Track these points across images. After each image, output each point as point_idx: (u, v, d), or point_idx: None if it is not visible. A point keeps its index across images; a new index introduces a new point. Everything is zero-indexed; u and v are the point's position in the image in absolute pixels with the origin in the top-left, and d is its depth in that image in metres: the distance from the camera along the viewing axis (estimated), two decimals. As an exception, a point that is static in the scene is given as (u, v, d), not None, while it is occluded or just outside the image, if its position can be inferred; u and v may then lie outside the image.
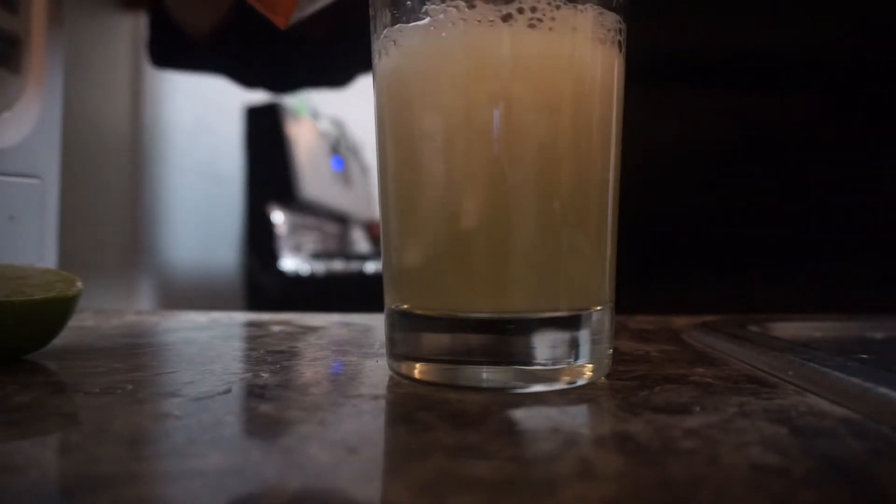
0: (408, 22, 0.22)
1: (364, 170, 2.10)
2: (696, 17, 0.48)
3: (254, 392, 0.21)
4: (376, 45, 0.24)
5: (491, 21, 0.21)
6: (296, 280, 1.53)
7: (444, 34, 0.22)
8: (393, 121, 0.24)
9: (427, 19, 0.22)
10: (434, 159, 0.22)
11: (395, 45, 0.23)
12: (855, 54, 0.46)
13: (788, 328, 0.32)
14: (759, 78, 0.48)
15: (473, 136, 0.21)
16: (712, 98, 0.49)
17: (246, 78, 0.66)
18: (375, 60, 0.24)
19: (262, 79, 0.66)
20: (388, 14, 0.23)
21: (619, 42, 0.24)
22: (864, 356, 0.25)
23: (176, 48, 0.53)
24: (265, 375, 0.23)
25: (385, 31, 0.23)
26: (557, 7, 0.21)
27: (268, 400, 0.20)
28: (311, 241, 1.72)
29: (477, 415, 0.19)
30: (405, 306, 0.23)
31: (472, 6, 0.21)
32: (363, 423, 0.18)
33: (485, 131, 0.21)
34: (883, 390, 0.19)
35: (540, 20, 0.21)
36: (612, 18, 0.23)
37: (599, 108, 0.23)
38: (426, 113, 0.22)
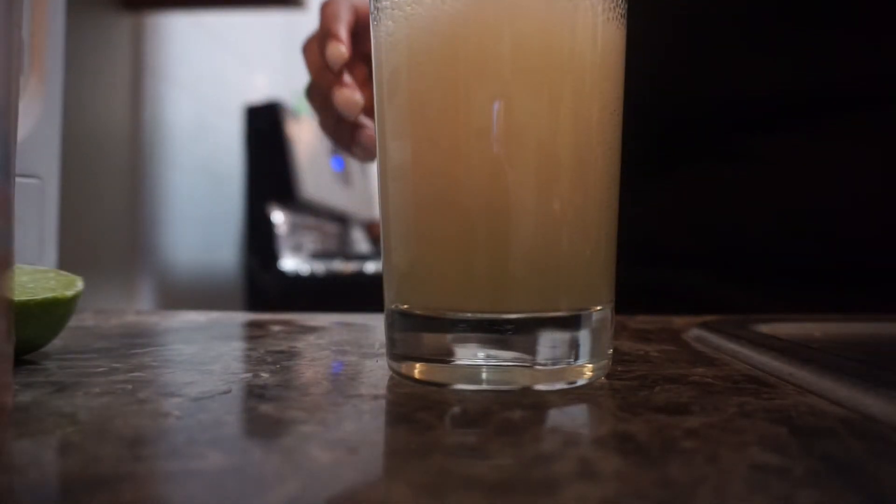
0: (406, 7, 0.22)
1: (364, 170, 2.10)
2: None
3: (254, 392, 0.21)
4: (375, 30, 0.24)
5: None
6: (296, 280, 1.53)
7: (442, 18, 0.22)
8: (392, 117, 0.24)
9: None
10: (434, 157, 0.22)
11: (393, 30, 0.23)
12: None
13: (788, 328, 0.32)
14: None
15: (472, 134, 0.21)
16: (712, 94, 0.49)
17: None
18: (374, 52, 0.24)
19: None
20: None
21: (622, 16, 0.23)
22: (864, 356, 0.25)
23: None
24: (265, 375, 0.23)
25: (383, 15, 0.23)
26: None
27: (268, 400, 0.20)
28: (311, 241, 1.72)
29: (477, 415, 0.19)
30: (405, 306, 0.23)
31: None
32: (363, 423, 0.18)
33: (484, 128, 0.21)
34: (883, 390, 0.19)
35: None
36: None
37: (600, 102, 0.23)
38: (425, 108, 0.22)
